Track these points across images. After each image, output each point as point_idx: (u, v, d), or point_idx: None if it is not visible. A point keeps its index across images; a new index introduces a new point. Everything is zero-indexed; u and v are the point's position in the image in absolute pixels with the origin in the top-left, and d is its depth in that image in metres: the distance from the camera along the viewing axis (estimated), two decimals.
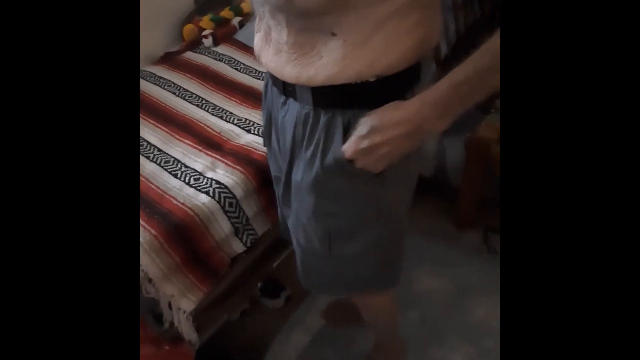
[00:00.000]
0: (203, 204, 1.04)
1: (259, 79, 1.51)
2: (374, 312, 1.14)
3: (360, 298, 1.08)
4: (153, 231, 0.98)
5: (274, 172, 0.93)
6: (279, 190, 0.89)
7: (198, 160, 1.16)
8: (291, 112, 0.74)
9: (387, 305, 1.11)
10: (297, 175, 0.77)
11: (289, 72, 0.68)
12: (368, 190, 0.74)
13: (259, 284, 1.20)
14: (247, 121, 1.30)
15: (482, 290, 1.45)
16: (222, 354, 1.28)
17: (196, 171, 1.13)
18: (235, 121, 1.29)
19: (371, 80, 0.65)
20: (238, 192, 1.08)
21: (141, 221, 1.00)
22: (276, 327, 1.38)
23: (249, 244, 1.11)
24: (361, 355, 1.31)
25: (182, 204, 1.04)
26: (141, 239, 0.96)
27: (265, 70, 0.79)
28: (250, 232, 1.12)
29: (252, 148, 1.19)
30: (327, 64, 0.64)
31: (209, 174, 1.12)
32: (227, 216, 1.07)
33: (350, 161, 0.68)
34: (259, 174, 1.12)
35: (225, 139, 1.24)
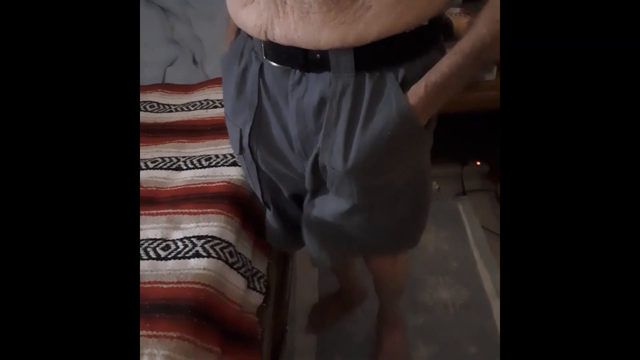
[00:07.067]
0: (204, 269, 0.79)
1: None
2: (394, 275, 1.08)
3: (381, 261, 1.01)
4: (174, 333, 0.69)
5: (278, 171, 0.75)
6: (310, 184, 0.72)
7: (144, 227, 0.87)
8: (313, 91, 0.61)
9: (405, 265, 1.09)
10: (336, 158, 0.64)
11: (328, 35, 0.56)
12: (420, 144, 0.67)
13: (287, 328, 0.99)
14: (165, 160, 1.02)
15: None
16: None
17: (156, 240, 0.84)
18: (150, 165, 1.00)
19: (425, 24, 0.58)
20: (230, 237, 0.85)
21: (149, 332, 0.70)
22: None
23: (264, 290, 0.90)
24: (368, 341, 1.26)
25: (178, 282, 0.76)
26: (167, 352, 0.67)
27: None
28: (258, 275, 0.91)
29: (204, 183, 0.95)
30: (380, 13, 0.55)
31: (177, 235, 0.85)
32: (234, 269, 0.84)
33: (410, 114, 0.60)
34: (234, 206, 0.91)
35: (153, 188, 0.95)
